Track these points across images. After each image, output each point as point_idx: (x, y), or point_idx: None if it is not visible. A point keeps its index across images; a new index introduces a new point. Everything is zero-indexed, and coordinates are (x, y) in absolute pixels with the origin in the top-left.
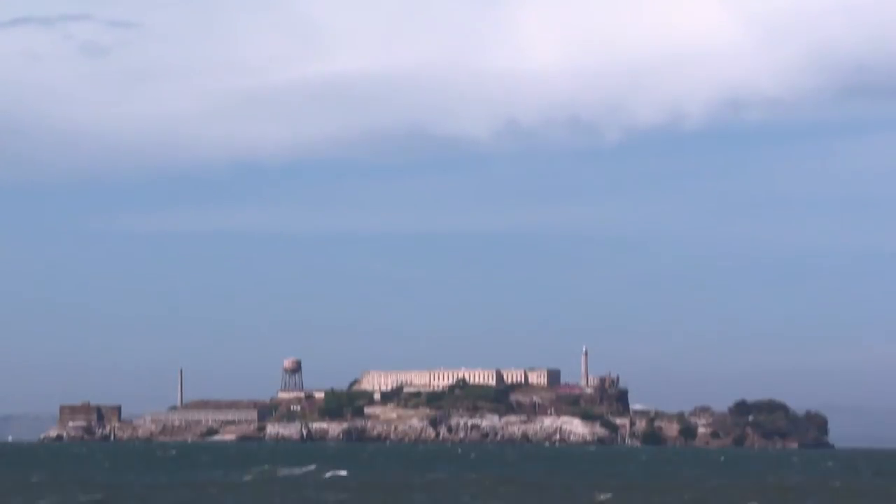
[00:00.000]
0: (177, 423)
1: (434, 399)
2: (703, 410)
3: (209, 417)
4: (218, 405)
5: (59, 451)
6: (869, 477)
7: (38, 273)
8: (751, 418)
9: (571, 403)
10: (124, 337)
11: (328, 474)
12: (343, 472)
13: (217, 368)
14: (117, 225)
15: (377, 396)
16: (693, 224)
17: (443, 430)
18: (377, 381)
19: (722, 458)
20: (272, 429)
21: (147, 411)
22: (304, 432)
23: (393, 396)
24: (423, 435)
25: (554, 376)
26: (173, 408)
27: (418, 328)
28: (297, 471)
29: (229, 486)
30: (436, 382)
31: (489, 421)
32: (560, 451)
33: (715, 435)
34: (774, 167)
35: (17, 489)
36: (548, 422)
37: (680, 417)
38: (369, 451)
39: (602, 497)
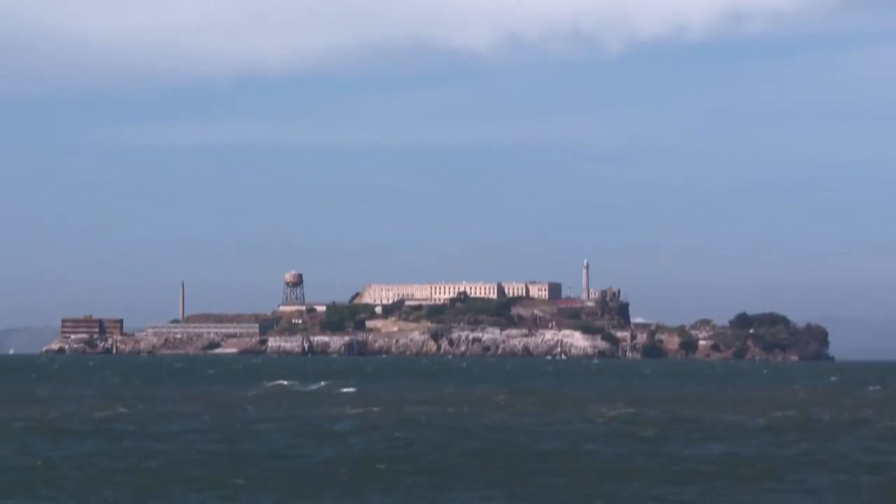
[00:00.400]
0: (178, 336)
1: (435, 312)
2: (704, 323)
3: (211, 331)
4: (219, 318)
5: (65, 363)
6: (876, 390)
7: (41, 187)
8: (751, 331)
9: (572, 317)
10: (126, 250)
11: (335, 391)
12: (352, 389)
13: (219, 282)
14: (119, 138)
15: (378, 310)
16: (694, 137)
17: (444, 344)
18: (378, 295)
19: (764, 371)
20: (274, 342)
21: (149, 324)
22: (306, 346)
23: (394, 310)
24: (424, 348)
25: (555, 290)
26: (175, 321)
27: (420, 241)
28: (312, 386)
29: (245, 400)
30: (437, 296)
31: (490, 334)
32: (564, 365)
33: (716, 348)
34: (776, 79)
35: (44, 402)
36: (549, 335)
37: (681, 330)
38: (374, 366)
39: (614, 412)
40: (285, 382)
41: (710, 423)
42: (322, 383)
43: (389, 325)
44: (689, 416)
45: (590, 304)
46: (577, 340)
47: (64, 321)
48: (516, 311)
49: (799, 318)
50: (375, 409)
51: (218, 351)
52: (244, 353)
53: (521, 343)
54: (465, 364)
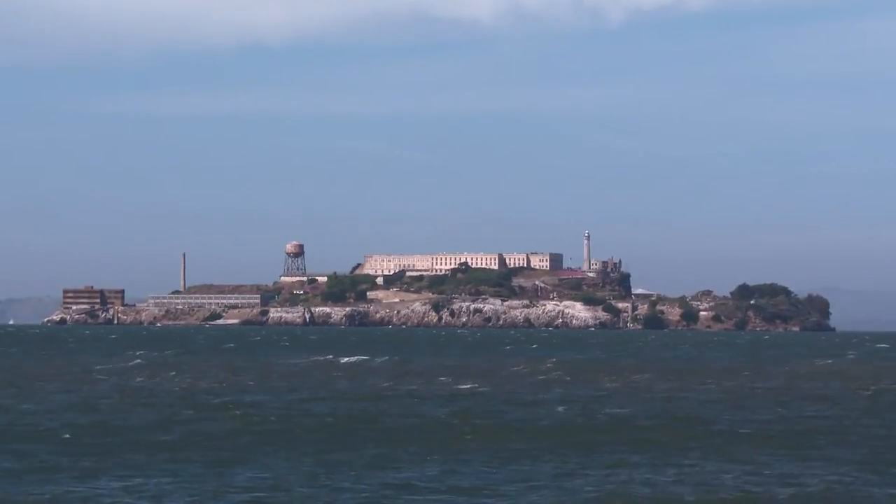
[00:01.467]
0: (180, 307)
1: (436, 283)
2: (705, 294)
3: (212, 301)
4: (221, 289)
5: (79, 334)
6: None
7: (42, 157)
8: (752, 302)
9: (574, 287)
10: (127, 221)
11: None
12: (385, 360)
13: (220, 253)
14: (120, 108)
15: (380, 280)
16: (696, 107)
17: (445, 315)
18: (380, 266)
19: (801, 342)
20: (275, 313)
21: (150, 295)
22: (307, 317)
23: (395, 280)
24: (425, 319)
25: (556, 260)
26: (176, 292)
27: (421, 212)
28: (354, 358)
29: (292, 371)
30: (438, 266)
31: (492, 305)
32: (568, 335)
33: (717, 318)
34: (778, 49)
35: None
36: (550, 306)
37: (682, 301)
38: (381, 340)
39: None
40: (321, 358)
41: (782, 393)
42: (360, 357)
43: (391, 296)
44: (724, 388)
45: (591, 274)
46: (579, 311)
47: (65, 292)
48: (517, 281)
49: (800, 289)
50: (424, 380)
51: (219, 322)
52: (245, 323)
53: (523, 314)
54: (472, 338)
